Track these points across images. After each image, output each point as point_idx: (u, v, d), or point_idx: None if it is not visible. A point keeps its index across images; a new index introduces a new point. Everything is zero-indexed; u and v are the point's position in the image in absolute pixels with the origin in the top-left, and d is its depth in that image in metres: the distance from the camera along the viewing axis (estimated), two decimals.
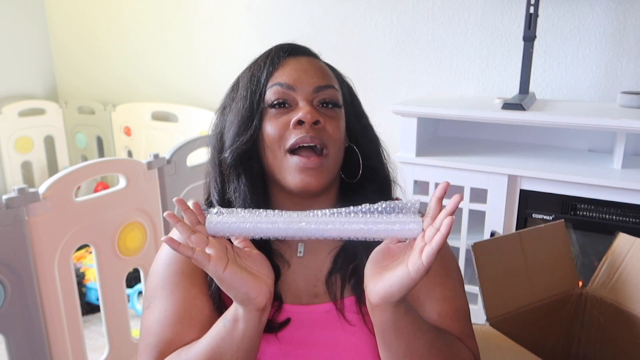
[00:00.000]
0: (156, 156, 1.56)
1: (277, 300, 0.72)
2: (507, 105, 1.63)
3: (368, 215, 0.59)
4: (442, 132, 2.09)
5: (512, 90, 2.00)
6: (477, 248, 1.11)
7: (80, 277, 2.13)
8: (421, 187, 1.80)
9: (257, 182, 0.73)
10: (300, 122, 0.69)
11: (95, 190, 2.73)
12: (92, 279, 2.13)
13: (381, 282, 0.58)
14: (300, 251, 0.76)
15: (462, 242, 1.75)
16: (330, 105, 0.72)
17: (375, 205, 0.59)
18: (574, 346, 1.26)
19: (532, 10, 1.67)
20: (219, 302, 0.72)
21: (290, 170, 0.69)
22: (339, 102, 0.74)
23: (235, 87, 0.77)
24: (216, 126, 0.77)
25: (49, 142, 3.04)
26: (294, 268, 0.75)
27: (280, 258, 0.74)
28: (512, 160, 1.71)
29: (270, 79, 0.72)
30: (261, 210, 0.61)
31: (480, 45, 2.03)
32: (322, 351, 0.72)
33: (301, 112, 0.69)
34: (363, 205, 0.59)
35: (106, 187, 2.79)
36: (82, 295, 2.08)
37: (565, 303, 1.22)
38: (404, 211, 0.59)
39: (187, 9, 2.64)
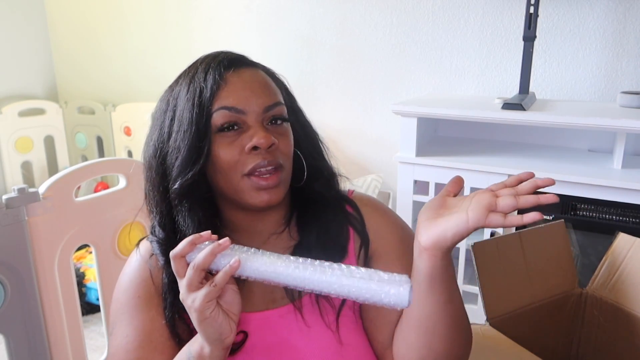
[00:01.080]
0: None
1: None
2: (507, 105, 1.63)
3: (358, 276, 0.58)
4: (442, 132, 2.09)
5: (511, 90, 1.99)
6: (477, 248, 1.11)
7: (80, 277, 2.13)
8: (421, 187, 1.80)
9: (208, 206, 0.71)
10: (255, 148, 0.67)
11: (95, 190, 2.73)
12: (92, 279, 2.13)
13: (436, 226, 0.59)
14: None
15: (462, 242, 1.75)
16: (279, 122, 0.71)
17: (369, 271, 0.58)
18: (574, 346, 1.25)
19: (532, 10, 1.67)
20: (173, 330, 0.71)
21: (248, 191, 0.68)
22: (286, 115, 0.72)
23: (170, 104, 0.71)
24: (155, 150, 0.72)
25: (49, 142, 3.04)
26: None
27: None
28: (512, 160, 1.71)
29: (214, 100, 0.67)
30: (254, 249, 0.61)
31: (480, 45, 2.03)
32: (279, 357, 0.72)
33: (255, 137, 0.66)
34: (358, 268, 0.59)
35: (106, 187, 2.79)
36: (82, 295, 2.08)
37: (565, 303, 1.22)
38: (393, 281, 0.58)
39: (187, 9, 2.64)
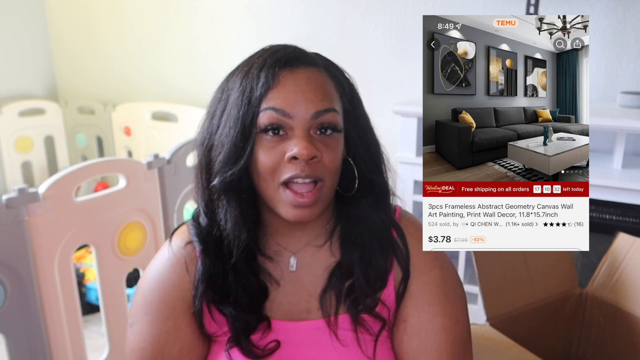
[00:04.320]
0: (156, 156, 1.56)
1: (266, 320, 0.71)
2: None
3: None
4: None
5: None
6: None
7: (80, 277, 2.13)
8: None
9: (247, 205, 0.69)
10: (295, 158, 0.64)
11: (95, 190, 2.73)
12: (92, 279, 2.13)
13: None
14: (292, 265, 0.73)
15: None
16: (329, 131, 0.66)
17: None
18: (574, 346, 1.25)
19: (532, 10, 1.67)
20: (201, 323, 0.71)
21: (283, 204, 0.66)
22: (339, 125, 0.67)
23: (224, 94, 0.70)
24: (204, 138, 0.71)
25: (49, 142, 3.04)
26: (285, 282, 0.73)
27: (267, 276, 0.72)
28: None
29: (264, 99, 0.65)
30: None
31: None
32: None
33: (296, 147, 0.63)
34: None
35: (106, 187, 2.79)
36: (82, 295, 2.08)
37: (565, 303, 1.22)
38: None
39: (187, 9, 2.64)
